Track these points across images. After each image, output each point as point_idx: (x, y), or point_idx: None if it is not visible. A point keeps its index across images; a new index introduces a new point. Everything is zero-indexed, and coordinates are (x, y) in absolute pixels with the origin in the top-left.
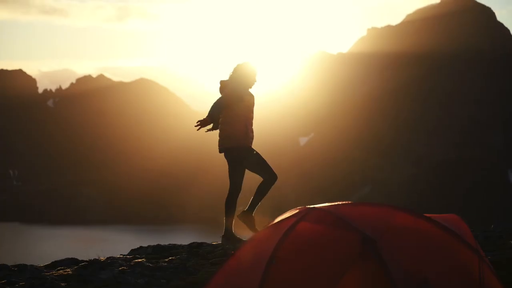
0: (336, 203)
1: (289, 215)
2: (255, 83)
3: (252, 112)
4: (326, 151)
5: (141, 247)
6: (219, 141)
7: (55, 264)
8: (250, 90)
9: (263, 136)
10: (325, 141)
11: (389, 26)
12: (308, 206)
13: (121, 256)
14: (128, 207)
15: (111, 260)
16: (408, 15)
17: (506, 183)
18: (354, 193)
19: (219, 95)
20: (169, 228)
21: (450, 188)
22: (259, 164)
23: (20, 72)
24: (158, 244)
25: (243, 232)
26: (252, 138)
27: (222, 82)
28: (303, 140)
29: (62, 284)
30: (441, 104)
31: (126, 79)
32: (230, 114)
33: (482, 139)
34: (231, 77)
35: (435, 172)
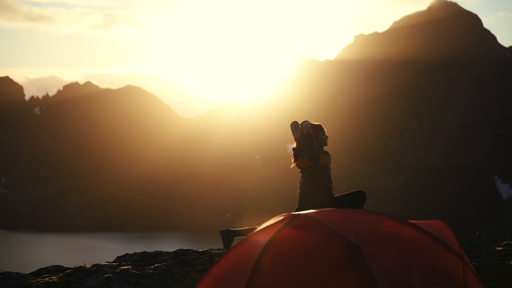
0: (321, 209)
1: (274, 222)
2: (327, 139)
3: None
4: None
5: (127, 254)
6: (300, 199)
7: (40, 272)
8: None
9: (251, 143)
10: None
11: (376, 33)
12: (294, 213)
13: (107, 263)
14: (116, 214)
15: (97, 268)
16: (395, 22)
17: (494, 189)
18: None
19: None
20: (157, 236)
21: (439, 194)
22: (346, 201)
23: (6, 79)
24: (144, 251)
25: None
26: (333, 194)
27: (295, 150)
28: (290, 147)
29: None
30: (429, 111)
31: (114, 86)
32: (309, 175)
33: (471, 145)
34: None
35: (424, 179)
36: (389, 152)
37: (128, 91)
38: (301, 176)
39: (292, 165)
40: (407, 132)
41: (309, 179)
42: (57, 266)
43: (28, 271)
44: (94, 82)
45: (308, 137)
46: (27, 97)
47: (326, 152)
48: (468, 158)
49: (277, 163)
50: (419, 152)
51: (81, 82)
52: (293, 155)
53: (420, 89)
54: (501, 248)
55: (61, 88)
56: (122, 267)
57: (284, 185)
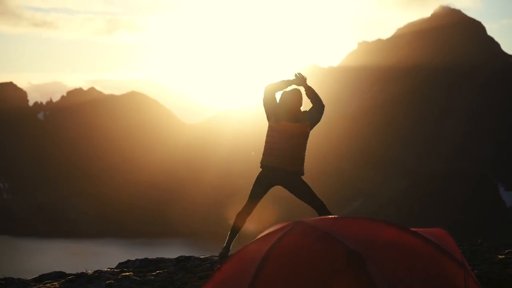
0: (322, 217)
1: (274, 229)
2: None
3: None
4: (316, 165)
5: (128, 260)
6: (284, 161)
7: (42, 278)
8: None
9: (254, 149)
10: (315, 154)
11: (380, 40)
12: (294, 220)
13: (109, 269)
14: (118, 220)
15: (99, 274)
16: (399, 29)
17: (497, 196)
18: (345, 207)
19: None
20: (158, 241)
21: (441, 200)
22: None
23: (10, 85)
24: (146, 258)
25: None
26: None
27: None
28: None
29: None
30: (432, 118)
31: (117, 91)
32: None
33: (473, 152)
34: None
35: (427, 185)
36: (392, 159)
37: (132, 97)
38: (286, 138)
39: (275, 125)
40: (410, 139)
41: (303, 144)
42: (59, 272)
43: (30, 277)
44: (98, 87)
45: (313, 92)
46: (30, 103)
47: None
48: (471, 164)
49: None
50: (421, 158)
51: (85, 88)
52: (289, 115)
53: (423, 95)
54: (503, 256)
55: (64, 94)
56: (123, 274)
57: (287, 192)
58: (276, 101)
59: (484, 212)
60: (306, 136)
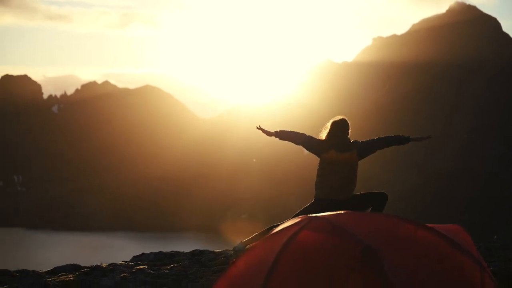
0: (337, 212)
1: (291, 224)
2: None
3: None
4: None
5: (143, 254)
6: (344, 189)
7: (56, 270)
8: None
9: (267, 144)
10: None
11: (394, 36)
12: (310, 215)
13: (123, 262)
14: (131, 213)
15: (113, 267)
16: (414, 25)
17: (507, 193)
18: None
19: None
20: (172, 235)
21: (446, 200)
22: (367, 199)
23: (25, 78)
24: (160, 251)
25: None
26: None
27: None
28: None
29: None
30: (444, 114)
31: (131, 85)
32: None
33: (485, 149)
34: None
35: (437, 182)
36: (403, 155)
37: (146, 90)
38: (335, 169)
39: (345, 156)
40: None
41: (353, 174)
42: (73, 264)
43: (44, 269)
44: (112, 81)
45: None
46: (45, 96)
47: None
48: (482, 161)
49: (292, 165)
50: (433, 155)
51: (99, 81)
52: (347, 145)
53: (434, 91)
54: None
55: (79, 87)
56: (138, 267)
57: (300, 187)
58: (312, 140)
59: (494, 209)
60: (354, 165)
